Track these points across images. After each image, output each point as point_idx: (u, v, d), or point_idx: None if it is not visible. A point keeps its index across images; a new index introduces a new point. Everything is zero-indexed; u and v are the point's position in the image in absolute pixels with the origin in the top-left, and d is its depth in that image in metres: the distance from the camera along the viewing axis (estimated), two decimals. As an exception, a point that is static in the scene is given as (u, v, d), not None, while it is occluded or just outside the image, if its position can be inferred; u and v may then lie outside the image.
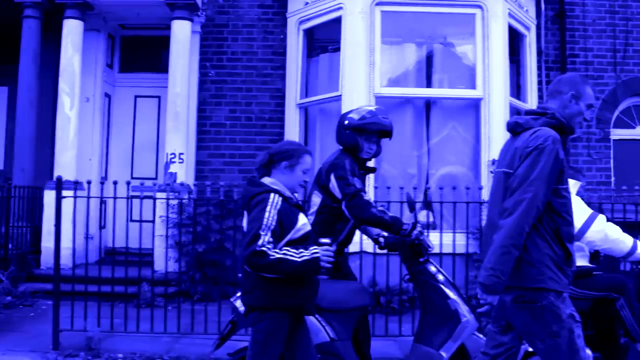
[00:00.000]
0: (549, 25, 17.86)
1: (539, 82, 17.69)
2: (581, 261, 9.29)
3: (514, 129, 6.72)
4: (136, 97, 18.54)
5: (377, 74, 15.49)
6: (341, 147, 8.62)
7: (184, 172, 16.38)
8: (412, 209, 8.34)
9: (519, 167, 6.29)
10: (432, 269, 8.15)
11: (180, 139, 16.40)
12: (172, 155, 16.31)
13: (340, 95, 15.62)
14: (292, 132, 16.94)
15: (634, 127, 18.34)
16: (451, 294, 8.08)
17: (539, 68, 17.63)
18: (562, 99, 6.64)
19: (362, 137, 8.52)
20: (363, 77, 15.37)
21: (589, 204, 10.73)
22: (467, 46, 16.02)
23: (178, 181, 16.25)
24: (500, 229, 6.10)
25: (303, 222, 6.85)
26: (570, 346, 6.31)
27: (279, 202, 6.66)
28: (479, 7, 15.78)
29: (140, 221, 14.41)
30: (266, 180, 6.97)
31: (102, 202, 17.13)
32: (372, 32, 15.58)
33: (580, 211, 9.10)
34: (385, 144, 14.51)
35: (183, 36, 16.58)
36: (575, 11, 17.98)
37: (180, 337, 12.34)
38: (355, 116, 8.60)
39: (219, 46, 17.67)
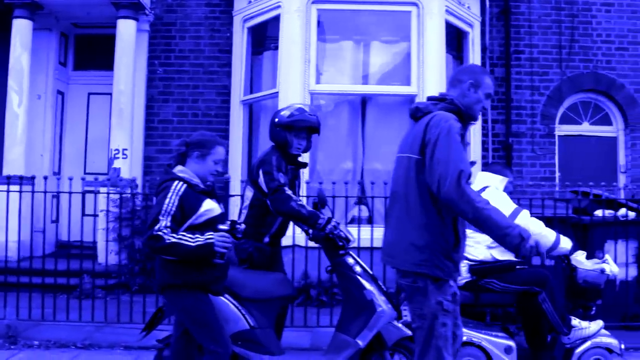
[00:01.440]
0: (494, 22, 18.03)
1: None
2: (507, 255, 9.55)
3: (414, 114, 6.94)
4: (90, 94, 18.90)
5: (313, 71, 15.74)
6: (273, 144, 8.97)
7: (127, 168, 16.70)
8: (322, 204, 8.75)
9: (434, 152, 6.36)
10: (350, 261, 8.47)
11: (124, 135, 16.73)
12: (116, 151, 16.65)
13: (277, 92, 15.89)
14: (237, 128, 17.25)
15: (580, 123, 18.48)
16: (367, 285, 8.40)
17: (484, 64, 17.79)
18: (462, 87, 6.84)
19: (292, 133, 8.84)
20: (298, 74, 15.63)
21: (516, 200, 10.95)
22: (403, 43, 16.23)
23: (123, 176, 16.56)
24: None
25: (207, 207, 7.26)
26: (431, 331, 6.52)
27: (182, 189, 7.11)
28: (415, 4, 15.99)
29: (94, 215, 14.85)
30: (177, 168, 7.39)
31: (55, 196, 17.51)
32: (307, 30, 15.83)
33: (504, 207, 9.37)
34: (321, 140, 14.83)
35: (128, 35, 16.91)
36: (520, 8, 18.14)
37: (104, 326, 12.69)
38: (285, 113, 8.94)
39: (167, 44, 17.99)
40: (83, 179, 16.25)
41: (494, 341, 9.46)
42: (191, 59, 17.91)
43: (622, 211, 13.09)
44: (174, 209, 7.02)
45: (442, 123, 6.38)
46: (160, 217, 6.98)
